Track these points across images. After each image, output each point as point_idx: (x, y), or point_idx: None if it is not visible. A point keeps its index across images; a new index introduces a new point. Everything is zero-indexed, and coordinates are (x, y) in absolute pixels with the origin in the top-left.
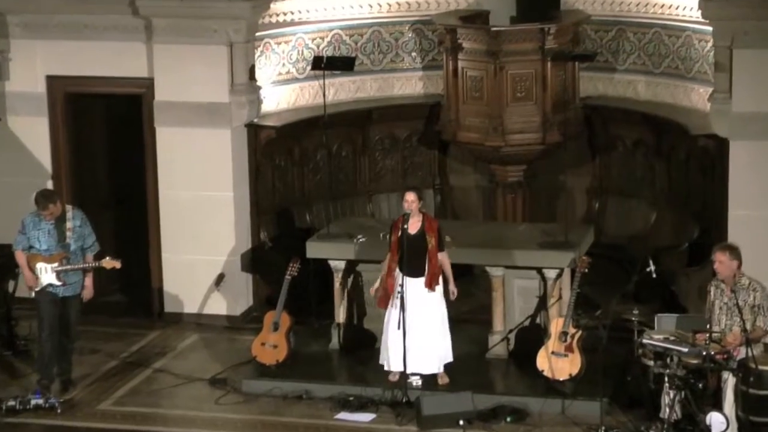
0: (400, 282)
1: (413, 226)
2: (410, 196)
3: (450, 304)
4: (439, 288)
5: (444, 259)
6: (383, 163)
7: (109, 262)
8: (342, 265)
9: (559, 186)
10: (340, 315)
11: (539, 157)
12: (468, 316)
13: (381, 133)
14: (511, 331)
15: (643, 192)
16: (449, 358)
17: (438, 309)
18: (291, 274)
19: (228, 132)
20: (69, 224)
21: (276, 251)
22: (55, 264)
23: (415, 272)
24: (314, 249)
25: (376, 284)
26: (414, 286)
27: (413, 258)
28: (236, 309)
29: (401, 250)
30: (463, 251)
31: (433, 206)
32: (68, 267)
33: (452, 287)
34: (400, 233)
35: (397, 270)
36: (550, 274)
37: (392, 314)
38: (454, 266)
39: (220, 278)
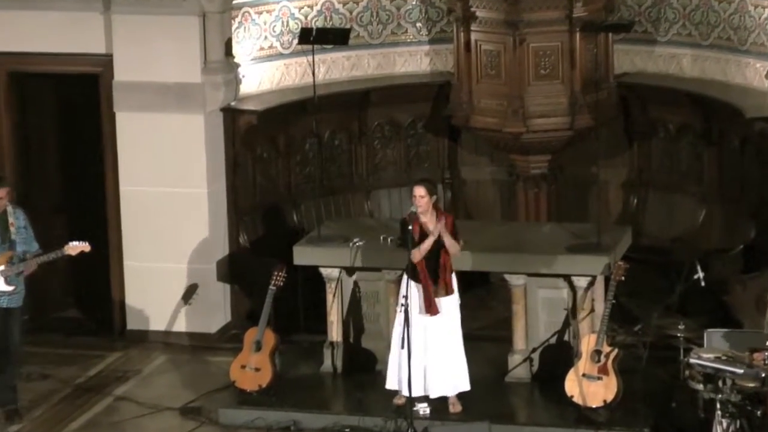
0: (404, 292)
1: (428, 224)
2: (419, 191)
3: (462, 320)
4: (454, 297)
5: (454, 243)
6: (383, 153)
7: (74, 247)
8: (335, 273)
9: (590, 179)
10: (334, 332)
11: (567, 146)
12: (484, 333)
13: (381, 119)
14: (534, 350)
15: (690, 186)
16: (466, 386)
17: (453, 320)
18: (276, 284)
19: (201, 118)
20: (11, 219)
21: (258, 257)
22: (1, 267)
23: (431, 276)
24: (303, 254)
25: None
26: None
27: (430, 259)
28: (211, 326)
29: (412, 253)
30: (477, 256)
31: (443, 203)
32: (21, 266)
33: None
34: (418, 233)
35: (404, 277)
36: (581, 282)
37: (398, 330)
38: (466, 274)
39: (192, 290)
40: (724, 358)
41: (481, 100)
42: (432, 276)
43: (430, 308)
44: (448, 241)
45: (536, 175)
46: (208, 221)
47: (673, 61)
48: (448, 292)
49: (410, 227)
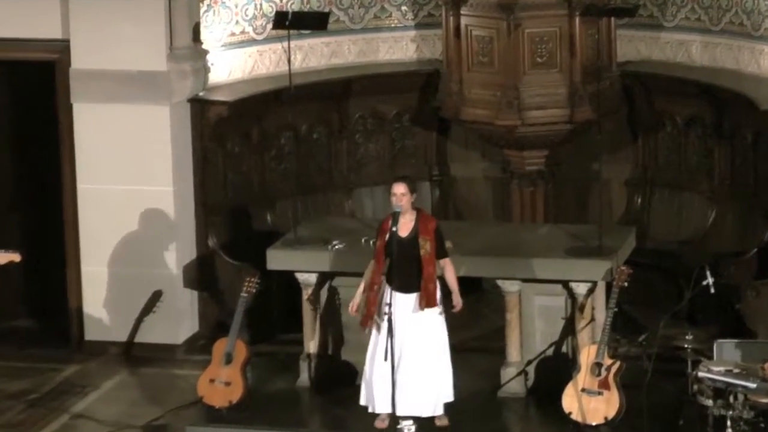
0: (387, 300)
1: (404, 227)
2: (399, 188)
3: (452, 330)
4: (436, 310)
5: (448, 267)
6: (366, 148)
7: (3, 256)
8: (313, 279)
9: (591, 177)
10: (311, 343)
11: (565, 140)
12: (475, 344)
13: (363, 110)
14: (530, 362)
15: (699, 184)
16: (449, 397)
17: (436, 333)
18: (248, 291)
19: (166, 109)
20: None
21: (229, 262)
22: None
23: (407, 286)
24: (277, 259)
25: (356, 299)
26: (405, 305)
27: (404, 268)
28: (178, 336)
29: (389, 259)
30: (468, 261)
31: (430, 203)
32: None
33: (456, 297)
34: (388, 236)
35: (385, 284)
36: (580, 289)
37: (378, 341)
38: (458, 281)
39: (157, 297)
40: (735, 371)
41: (472, 91)
42: (405, 286)
43: (365, 322)
44: (456, 297)
45: (532, 172)
46: (174, 222)
47: (681, 49)
48: (430, 303)
49: (377, 237)
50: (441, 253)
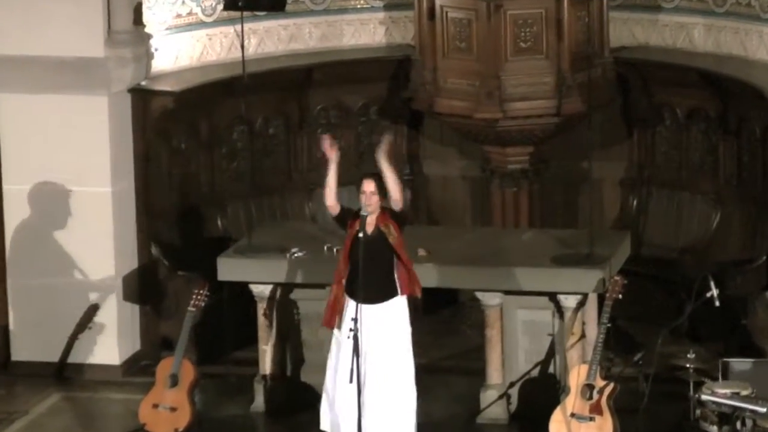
0: (353, 315)
1: (371, 226)
2: (370, 185)
3: (425, 348)
4: (404, 312)
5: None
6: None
7: None
8: (269, 291)
9: (581, 176)
10: (267, 363)
11: (552, 135)
12: (451, 364)
13: (325, 102)
14: (512, 384)
15: (702, 184)
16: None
17: (402, 348)
18: (196, 305)
19: (104, 100)
20: None
21: (175, 272)
22: None
23: (374, 295)
24: (229, 268)
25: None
26: (372, 318)
27: (372, 274)
28: (116, 356)
29: (354, 265)
30: (443, 270)
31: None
32: None
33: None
34: (353, 238)
35: (348, 299)
36: (569, 302)
37: (340, 359)
38: (430, 292)
39: (93, 312)
40: (742, 393)
41: (448, 80)
42: (372, 295)
43: (330, 320)
44: (391, 182)
45: (515, 170)
46: (112, 227)
47: (681, 32)
48: (403, 290)
49: (351, 221)
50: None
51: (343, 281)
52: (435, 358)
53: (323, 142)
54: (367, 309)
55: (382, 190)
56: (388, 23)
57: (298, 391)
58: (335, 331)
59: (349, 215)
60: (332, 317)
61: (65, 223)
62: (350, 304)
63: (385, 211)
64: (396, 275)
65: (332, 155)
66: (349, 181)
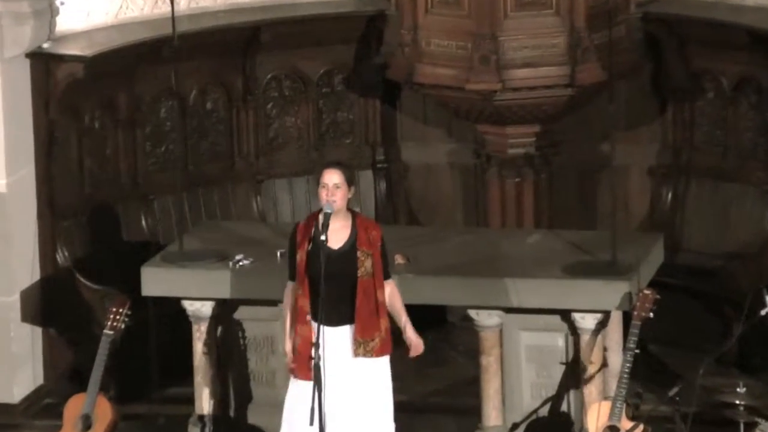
0: (313, 338)
1: (336, 235)
2: (333, 177)
3: (406, 381)
4: (383, 361)
5: (392, 291)
6: (281, 123)
7: None
8: (208, 309)
9: (600, 163)
10: (205, 401)
11: (564, 111)
12: (438, 401)
13: (277, 69)
14: (516, 426)
15: (753, 172)
16: None
17: (377, 381)
18: (114, 327)
19: None
20: None
21: (86, 284)
22: None
23: (340, 316)
24: (156, 280)
25: (287, 341)
26: (338, 343)
27: (336, 293)
28: (12, 391)
29: (314, 279)
30: (427, 283)
31: (374, 200)
32: None
33: (410, 333)
34: (310, 245)
35: (308, 315)
36: (586, 322)
37: (300, 395)
38: (411, 310)
39: None
40: None
41: (433, 41)
42: (338, 316)
43: (299, 368)
44: (410, 332)
45: (518, 156)
46: (6, 229)
47: None
48: (382, 350)
49: (293, 245)
50: (386, 273)
51: (308, 317)
52: (418, 393)
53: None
54: (331, 332)
55: (350, 180)
56: None
57: None
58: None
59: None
60: (301, 366)
61: None
62: (312, 326)
63: (373, 233)
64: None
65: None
66: (307, 170)
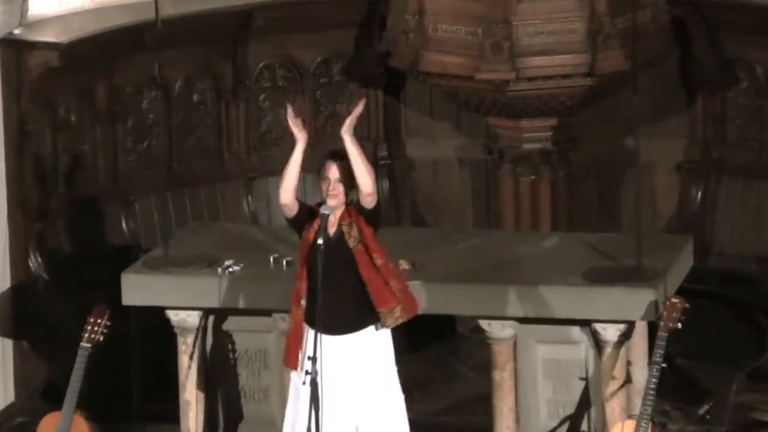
0: (310, 352)
1: (332, 229)
2: (333, 170)
3: (412, 398)
4: (384, 345)
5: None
6: (275, 116)
7: None
8: (195, 319)
9: (623, 159)
10: (191, 420)
11: (584, 103)
12: (447, 419)
13: (270, 58)
14: None
15: None
16: None
17: (378, 353)
18: (92, 339)
19: None
20: None
21: (62, 293)
22: None
23: (340, 323)
24: (139, 288)
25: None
26: (339, 354)
27: (335, 293)
28: None
29: (312, 281)
30: (434, 290)
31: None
32: None
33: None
34: (311, 244)
35: (306, 326)
36: (608, 333)
37: (300, 414)
38: (417, 318)
39: None
40: None
41: (440, 26)
42: (337, 322)
43: (292, 359)
44: (358, 166)
45: (533, 152)
46: None
47: None
48: (411, 308)
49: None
50: (374, 225)
51: (303, 301)
52: (424, 412)
53: (288, 113)
54: (331, 342)
55: (351, 176)
56: None
57: None
58: (292, 374)
59: (311, 216)
60: (294, 354)
61: None
62: (308, 336)
63: (351, 206)
64: (371, 292)
65: (299, 133)
66: (304, 167)
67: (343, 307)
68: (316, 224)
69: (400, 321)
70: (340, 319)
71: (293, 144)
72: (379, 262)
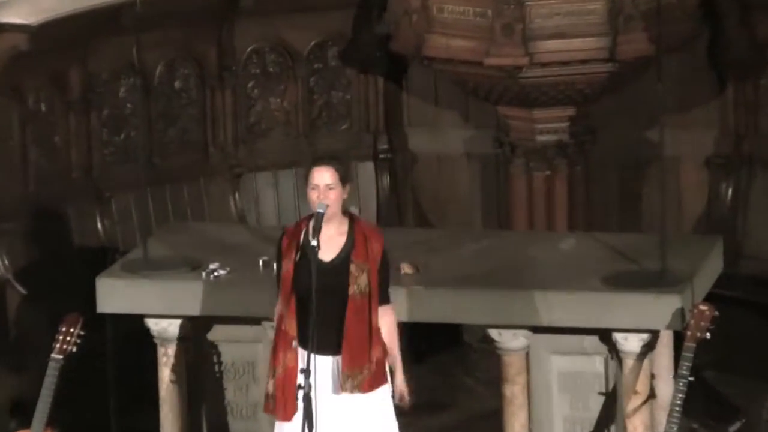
0: (302, 365)
1: (329, 244)
2: (324, 176)
3: (414, 413)
4: (382, 391)
5: (388, 321)
6: (265, 105)
7: None
8: (176, 329)
9: (646, 153)
10: None
11: (604, 91)
12: None
13: (259, 41)
14: None
15: None
16: None
17: (376, 417)
18: (64, 350)
19: None
20: None
21: (30, 300)
22: None
23: (333, 343)
24: (115, 294)
25: (269, 383)
26: (331, 374)
27: (329, 313)
28: None
29: (302, 296)
30: (441, 297)
31: (375, 198)
32: None
33: (399, 380)
34: (298, 255)
35: (295, 341)
36: (630, 344)
37: (291, 428)
38: (420, 327)
39: None
40: None
41: (446, 7)
42: (330, 343)
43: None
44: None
45: (548, 145)
46: None
47: None
48: (373, 383)
49: (279, 255)
50: (382, 294)
51: (294, 342)
52: (429, 429)
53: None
54: (324, 361)
55: (344, 178)
56: None
57: None
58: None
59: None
60: (283, 404)
61: None
62: (300, 351)
63: (374, 243)
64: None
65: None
66: (295, 161)
67: (337, 327)
68: (303, 227)
69: (356, 392)
70: (333, 339)
71: (284, 135)
72: (375, 324)
